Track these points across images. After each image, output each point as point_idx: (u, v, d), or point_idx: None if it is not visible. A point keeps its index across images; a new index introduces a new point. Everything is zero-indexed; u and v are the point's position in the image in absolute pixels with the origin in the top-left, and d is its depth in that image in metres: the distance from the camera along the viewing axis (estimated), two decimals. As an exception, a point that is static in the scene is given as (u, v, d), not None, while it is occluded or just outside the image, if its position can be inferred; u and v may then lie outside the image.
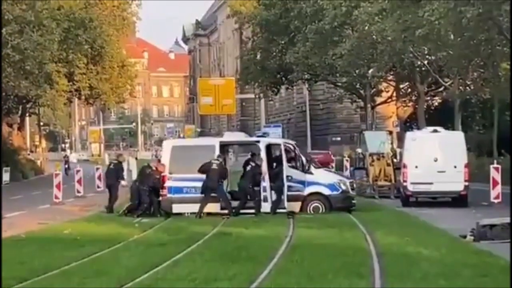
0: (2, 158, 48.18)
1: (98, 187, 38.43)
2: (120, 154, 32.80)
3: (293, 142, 26.52)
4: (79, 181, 35.04)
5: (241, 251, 15.36)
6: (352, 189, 25.75)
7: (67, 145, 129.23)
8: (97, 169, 40.19)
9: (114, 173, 27.34)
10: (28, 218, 24.68)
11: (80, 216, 25.37)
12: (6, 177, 48.52)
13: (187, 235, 18.54)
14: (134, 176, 47.65)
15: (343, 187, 24.93)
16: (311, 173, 24.77)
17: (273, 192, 24.25)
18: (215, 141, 25.72)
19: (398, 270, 12.81)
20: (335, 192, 24.71)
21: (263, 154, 24.51)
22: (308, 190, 24.59)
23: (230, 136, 28.40)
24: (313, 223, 20.88)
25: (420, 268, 12.98)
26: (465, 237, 17.76)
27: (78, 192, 34.59)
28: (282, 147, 24.62)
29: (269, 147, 25.24)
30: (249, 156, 25.85)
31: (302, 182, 24.54)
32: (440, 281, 11.85)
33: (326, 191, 24.66)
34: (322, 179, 24.94)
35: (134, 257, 15.01)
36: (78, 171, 35.57)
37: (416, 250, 15.15)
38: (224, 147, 25.74)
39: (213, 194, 24.08)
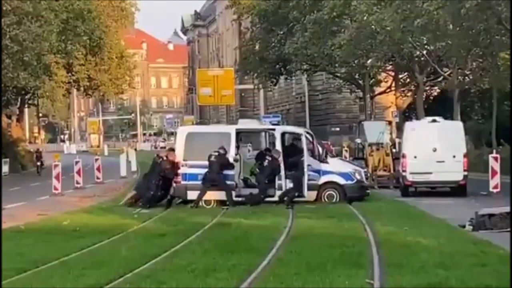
0: (1, 150, 48.16)
1: (97, 178, 38.43)
2: (171, 148, 32.42)
3: (311, 131, 26.41)
4: (78, 172, 35.02)
5: (240, 241, 15.37)
6: (366, 179, 25.79)
7: (66, 136, 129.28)
8: (96, 160, 40.17)
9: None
10: (27, 209, 24.68)
11: (79, 207, 25.36)
12: (5, 168, 48.51)
13: (186, 226, 18.54)
14: (134, 167, 47.96)
15: (358, 177, 24.91)
16: (326, 162, 24.72)
17: (287, 180, 24.10)
18: (230, 128, 25.63)
19: (397, 260, 12.81)
20: (349, 182, 24.66)
21: (278, 142, 24.50)
22: (323, 179, 24.47)
23: (245, 124, 27.90)
24: (312, 213, 20.89)
25: (419, 258, 12.99)
26: (464, 226, 17.77)
27: (77, 183, 34.57)
28: (303, 136, 24.39)
29: (283, 135, 25.21)
30: (262, 150, 25.73)
31: (318, 171, 24.44)
32: (439, 270, 11.85)
33: (341, 180, 24.61)
34: (337, 168, 24.86)
35: (133, 248, 15.01)
36: (77, 162, 35.53)
37: (415, 240, 15.15)
38: (240, 134, 25.63)
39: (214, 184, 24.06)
